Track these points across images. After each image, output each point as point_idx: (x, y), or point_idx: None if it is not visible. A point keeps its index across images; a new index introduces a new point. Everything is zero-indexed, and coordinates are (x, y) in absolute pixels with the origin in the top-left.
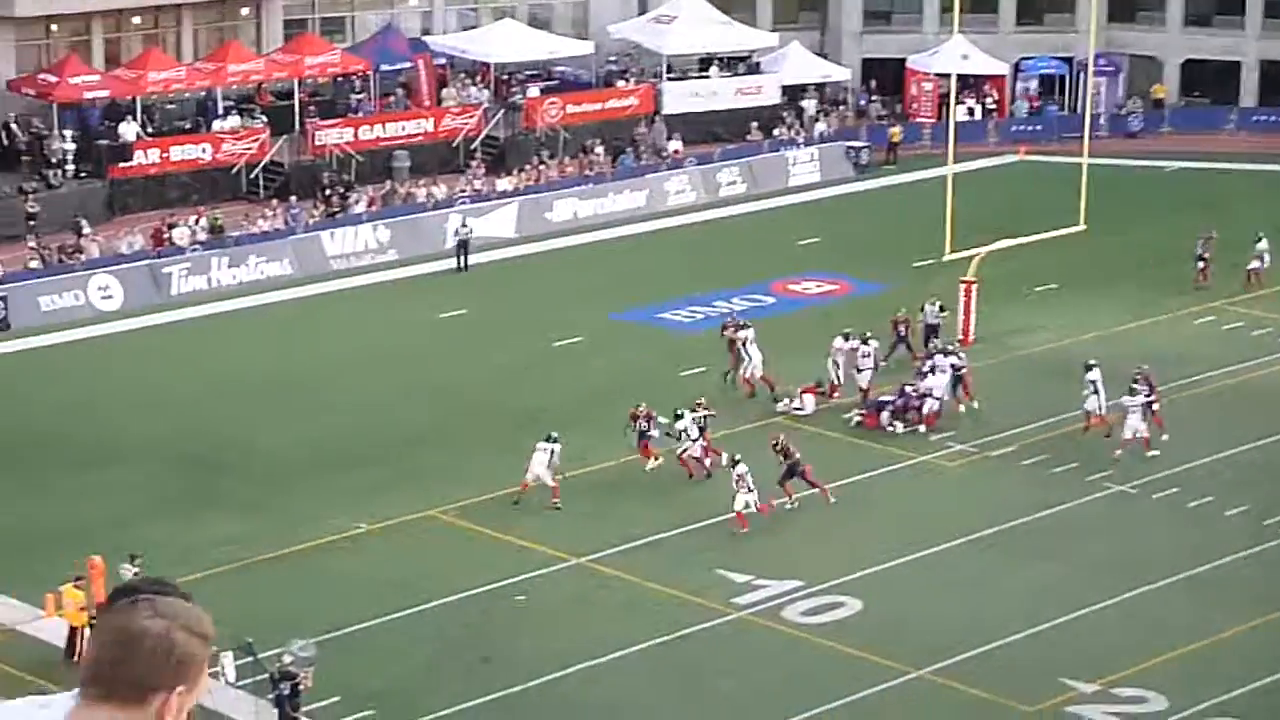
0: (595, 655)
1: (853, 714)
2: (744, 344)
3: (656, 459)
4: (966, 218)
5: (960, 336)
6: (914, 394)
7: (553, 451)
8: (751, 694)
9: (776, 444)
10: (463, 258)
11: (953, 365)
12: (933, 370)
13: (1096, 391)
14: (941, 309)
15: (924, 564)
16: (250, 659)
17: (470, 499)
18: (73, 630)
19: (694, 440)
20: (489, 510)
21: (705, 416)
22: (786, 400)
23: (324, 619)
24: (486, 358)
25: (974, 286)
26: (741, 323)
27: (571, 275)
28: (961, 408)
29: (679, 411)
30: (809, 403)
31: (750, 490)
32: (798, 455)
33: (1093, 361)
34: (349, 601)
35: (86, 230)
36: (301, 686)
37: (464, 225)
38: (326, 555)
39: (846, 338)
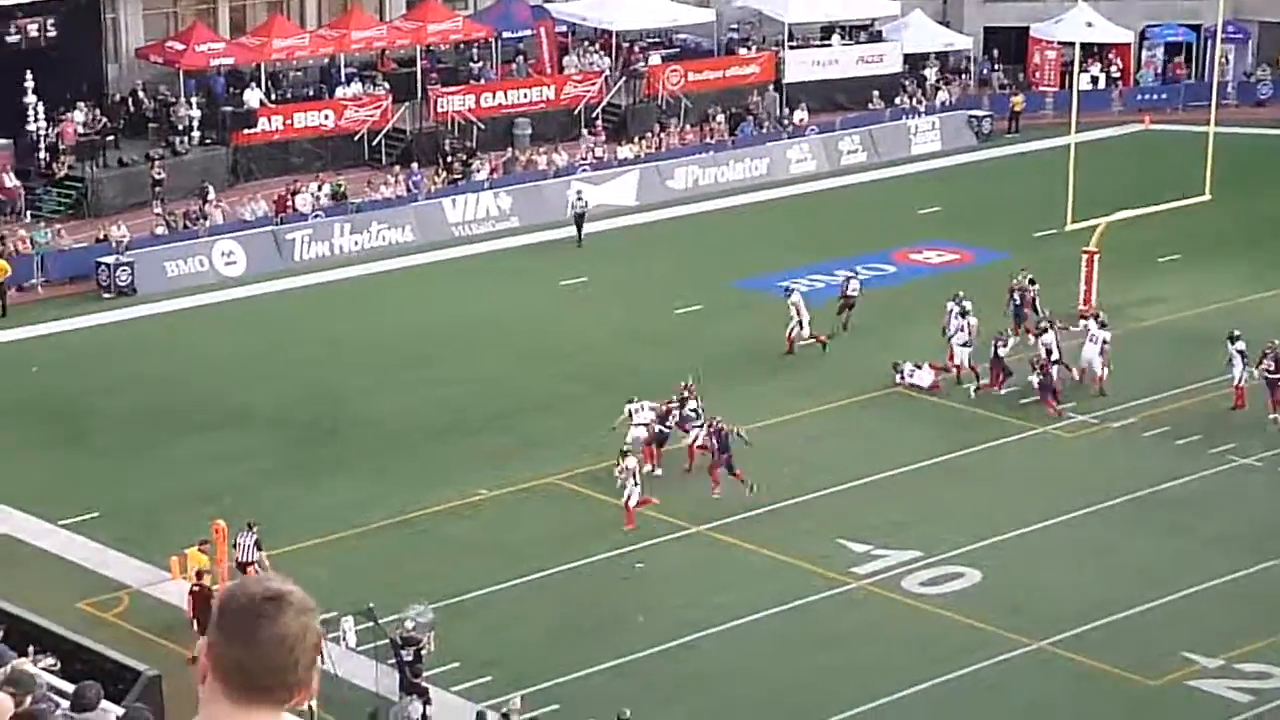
0: (713, 624)
1: (971, 685)
2: (797, 307)
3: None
4: (1089, 188)
5: (1082, 306)
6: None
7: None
8: (869, 664)
9: (717, 429)
10: (579, 230)
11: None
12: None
13: (1240, 364)
14: (1031, 281)
15: (1044, 535)
16: (370, 624)
17: (590, 466)
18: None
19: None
20: (609, 478)
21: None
22: (904, 373)
23: (443, 585)
24: (607, 325)
25: (1095, 257)
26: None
27: (691, 243)
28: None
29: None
30: (925, 376)
31: (637, 484)
32: (728, 438)
33: (1237, 332)
34: (468, 567)
35: (211, 197)
36: (424, 651)
37: (579, 198)
38: (447, 521)
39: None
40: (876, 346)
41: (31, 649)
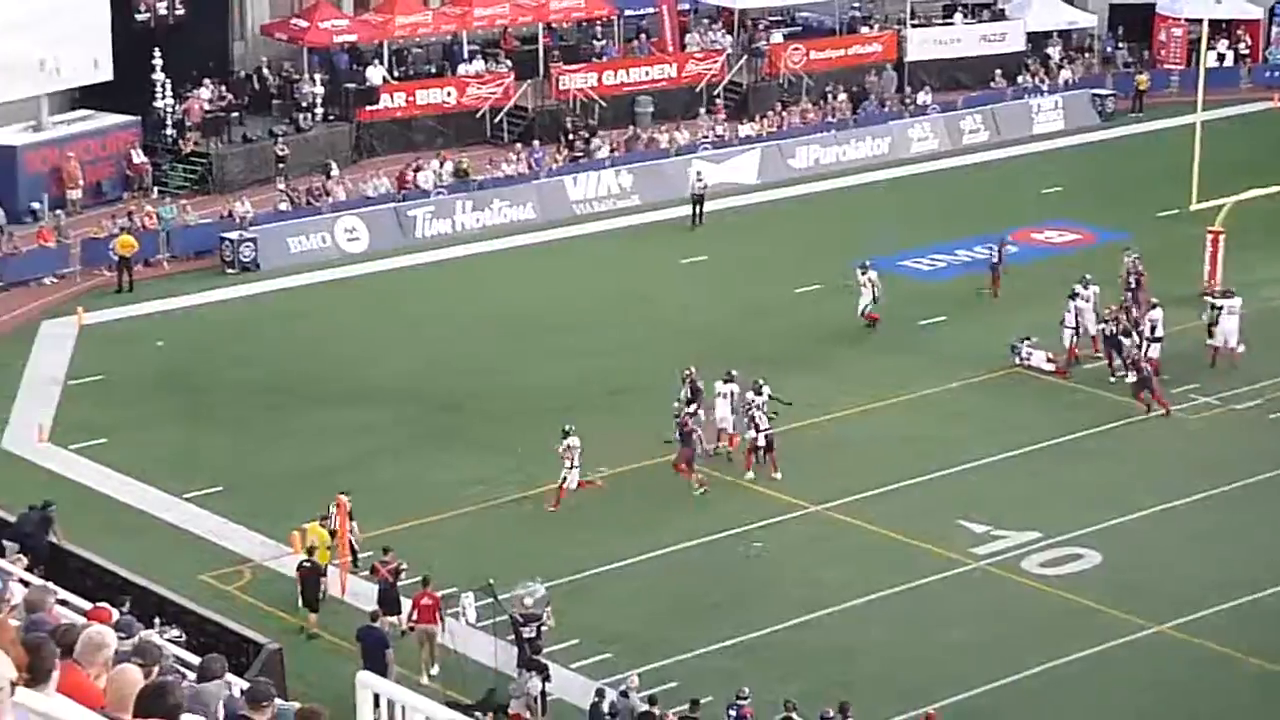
0: (833, 603)
1: (1091, 667)
2: (868, 284)
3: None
4: (1214, 167)
5: (1208, 283)
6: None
7: (732, 394)
8: (989, 644)
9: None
10: (698, 211)
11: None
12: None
13: None
14: (1137, 259)
15: (1165, 517)
16: (490, 600)
17: (712, 443)
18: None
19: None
20: (727, 455)
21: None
22: (1020, 355)
23: (563, 562)
24: (727, 303)
25: (1220, 236)
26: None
27: (812, 222)
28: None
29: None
30: (1040, 357)
31: (575, 466)
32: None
33: None
34: (589, 544)
35: (334, 173)
36: (544, 627)
37: (699, 178)
38: (567, 497)
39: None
40: (995, 326)
41: (157, 620)
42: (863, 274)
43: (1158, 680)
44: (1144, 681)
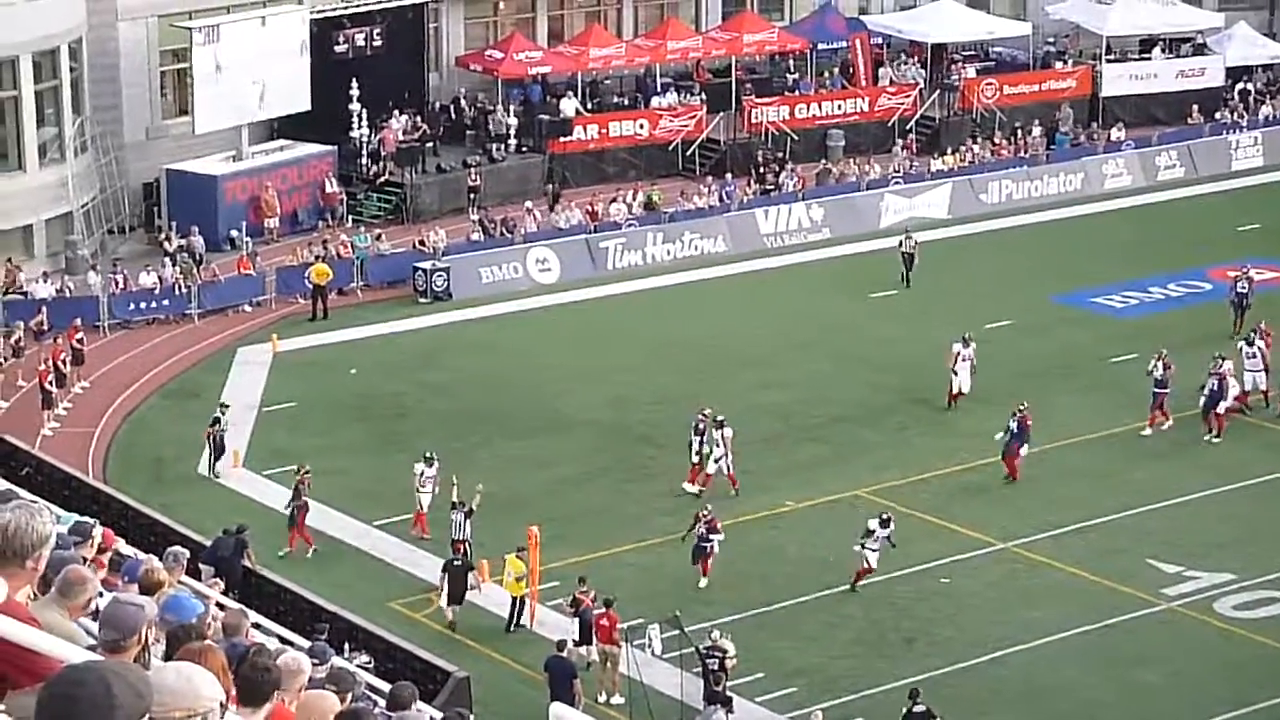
0: (1021, 640)
1: None
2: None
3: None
4: None
5: None
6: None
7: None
8: (1180, 686)
9: None
10: (908, 272)
11: None
12: None
13: None
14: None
15: None
16: (677, 632)
17: (899, 480)
18: (513, 600)
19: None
20: (917, 491)
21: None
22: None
23: (750, 595)
24: (919, 338)
25: None
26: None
27: (1005, 257)
28: None
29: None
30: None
31: (430, 492)
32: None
33: None
34: (776, 578)
35: (561, 201)
36: (729, 661)
37: (908, 238)
38: (755, 530)
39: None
40: (1191, 364)
41: (347, 646)
42: (964, 347)
43: None
44: None
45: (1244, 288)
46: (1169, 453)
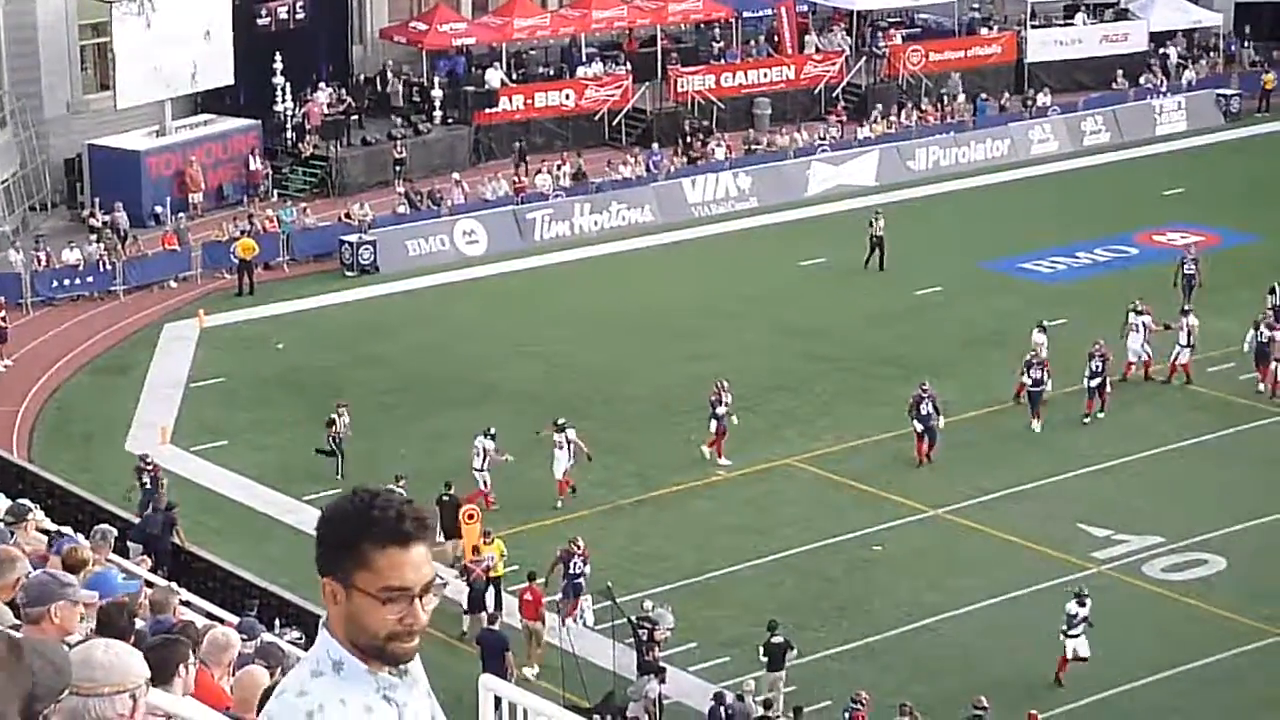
0: (953, 607)
1: (1215, 674)
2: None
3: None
4: None
5: None
6: None
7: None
8: (1110, 650)
9: None
10: (875, 254)
11: None
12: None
13: None
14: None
15: None
16: (609, 603)
17: (830, 448)
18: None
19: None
20: (848, 460)
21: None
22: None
23: (683, 565)
24: (847, 305)
25: None
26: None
27: (932, 224)
28: None
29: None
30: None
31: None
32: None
33: None
34: (708, 548)
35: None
36: (661, 632)
37: (878, 218)
38: (687, 500)
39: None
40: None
41: (278, 622)
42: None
43: None
44: (1270, 690)
45: (1190, 269)
46: (1097, 419)
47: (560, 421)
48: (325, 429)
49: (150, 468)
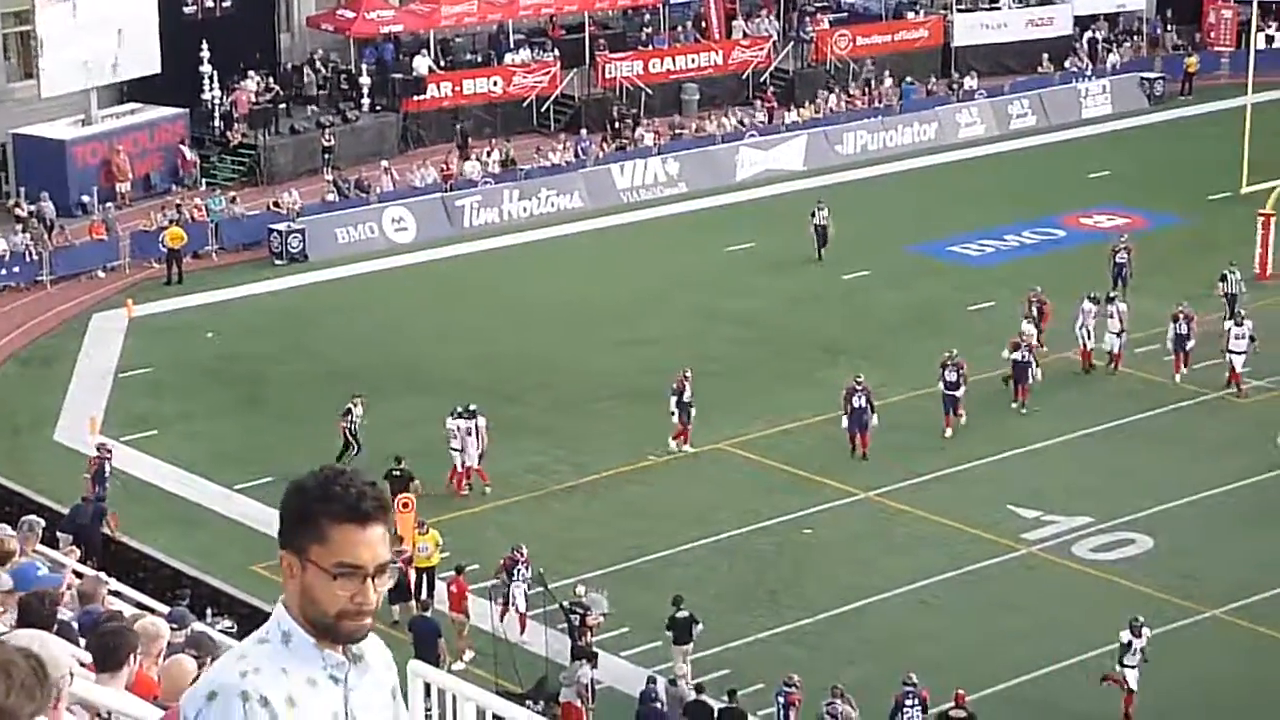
0: (884, 589)
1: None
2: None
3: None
4: (1265, 149)
5: (1256, 271)
6: None
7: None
8: (1040, 629)
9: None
10: (820, 245)
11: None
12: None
13: None
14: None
15: (1217, 501)
16: (541, 589)
17: (762, 431)
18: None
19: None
20: (779, 444)
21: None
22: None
23: (615, 550)
24: (775, 290)
25: (1271, 220)
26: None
27: (860, 208)
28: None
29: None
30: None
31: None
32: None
33: None
34: (640, 532)
35: (384, 164)
36: (593, 617)
37: (820, 208)
38: (619, 486)
39: (1095, 300)
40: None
41: (209, 611)
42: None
43: (1210, 667)
44: (1197, 668)
45: (1123, 259)
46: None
47: (472, 408)
48: (340, 418)
49: (110, 455)
